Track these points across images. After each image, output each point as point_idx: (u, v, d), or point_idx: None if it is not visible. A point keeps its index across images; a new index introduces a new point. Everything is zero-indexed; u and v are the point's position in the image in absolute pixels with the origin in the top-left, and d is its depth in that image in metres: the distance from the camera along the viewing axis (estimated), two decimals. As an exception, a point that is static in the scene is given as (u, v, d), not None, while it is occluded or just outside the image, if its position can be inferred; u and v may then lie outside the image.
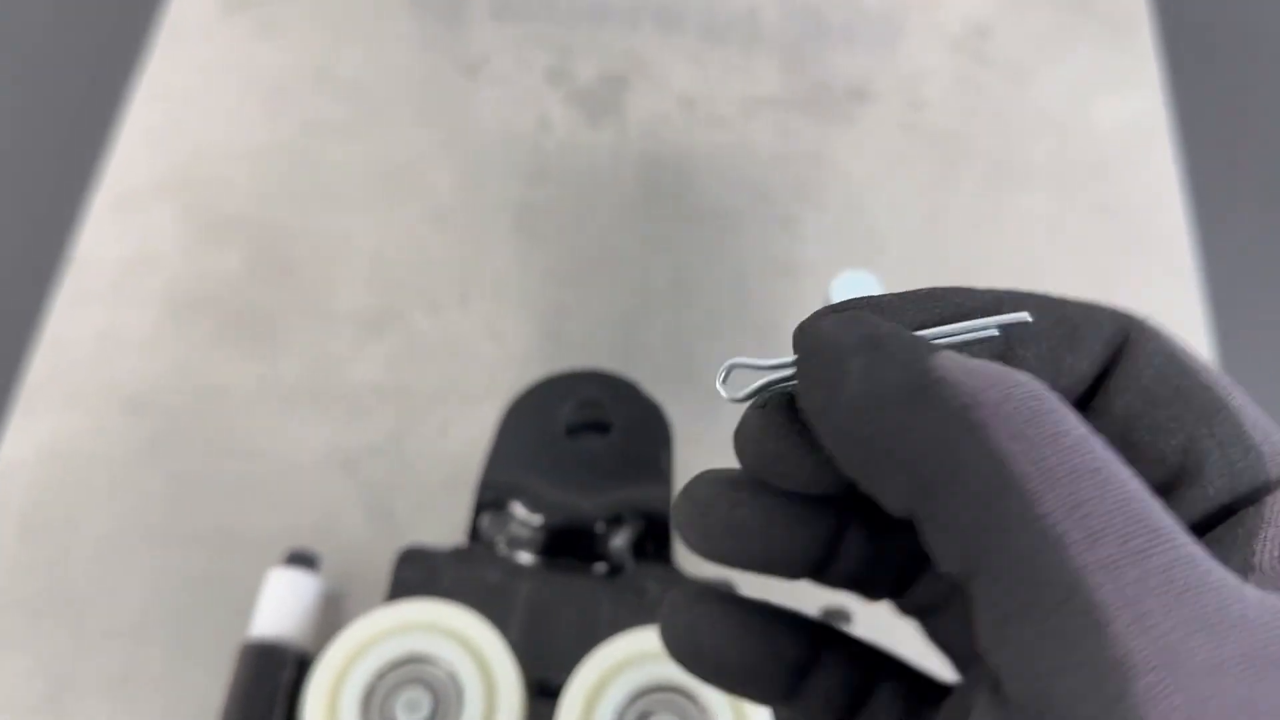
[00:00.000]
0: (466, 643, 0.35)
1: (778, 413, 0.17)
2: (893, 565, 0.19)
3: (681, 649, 0.19)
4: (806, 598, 0.22)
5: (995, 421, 0.14)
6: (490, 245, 0.50)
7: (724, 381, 0.17)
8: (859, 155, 0.53)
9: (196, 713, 0.40)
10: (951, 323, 0.16)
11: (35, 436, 0.45)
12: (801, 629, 0.19)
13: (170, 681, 0.40)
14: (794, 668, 0.19)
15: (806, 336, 0.16)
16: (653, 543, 0.38)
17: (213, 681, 0.39)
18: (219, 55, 0.56)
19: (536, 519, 0.38)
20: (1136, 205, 0.52)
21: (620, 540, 0.38)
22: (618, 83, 0.55)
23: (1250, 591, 0.13)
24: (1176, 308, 0.49)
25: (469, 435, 0.45)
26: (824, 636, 0.19)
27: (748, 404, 0.17)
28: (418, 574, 0.37)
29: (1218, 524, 0.15)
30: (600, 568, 0.38)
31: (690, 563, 0.39)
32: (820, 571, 0.19)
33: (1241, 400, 0.16)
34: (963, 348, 0.16)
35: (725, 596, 0.19)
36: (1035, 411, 0.14)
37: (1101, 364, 0.16)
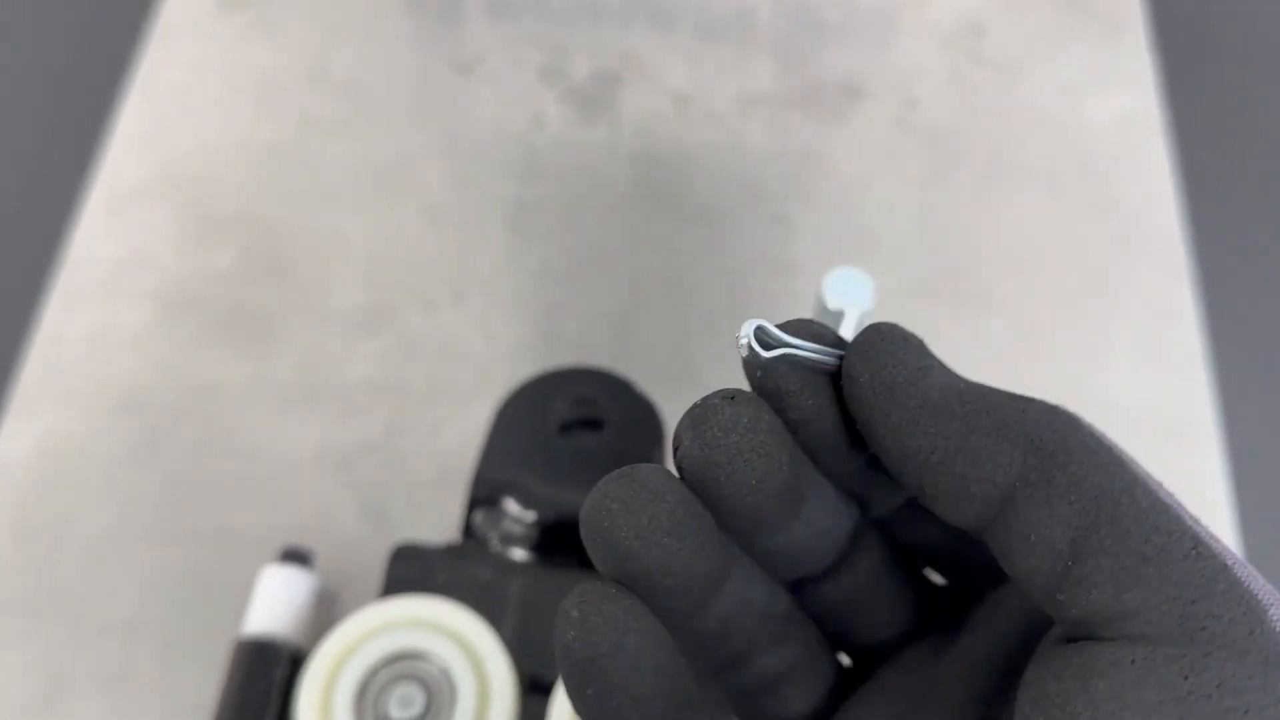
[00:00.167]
0: (460, 639, 0.35)
1: (817, 376, 0.17)
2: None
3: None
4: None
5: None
6: (484, 243, 0.50)
7: (749, 342, 0.17)
8: (853, 153, 0.54)
9: (192, 710, 0.40)
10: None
11: (29, 435, 0.45)
12: None
13: (165, 679, 0.41)
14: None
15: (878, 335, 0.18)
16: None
17: (208, 678, 0.39)
18: (213, 54, 0.56)
19: (529, 516, 0.38)
20: (1130, 202, 0.52)
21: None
22: (612, 81, 0.55)
23: None
24: (1170, 305, 0.49)
25: (462, 433, 0.45)
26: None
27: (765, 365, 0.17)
28: (411, 571, 0.37)
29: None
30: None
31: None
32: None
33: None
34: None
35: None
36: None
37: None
